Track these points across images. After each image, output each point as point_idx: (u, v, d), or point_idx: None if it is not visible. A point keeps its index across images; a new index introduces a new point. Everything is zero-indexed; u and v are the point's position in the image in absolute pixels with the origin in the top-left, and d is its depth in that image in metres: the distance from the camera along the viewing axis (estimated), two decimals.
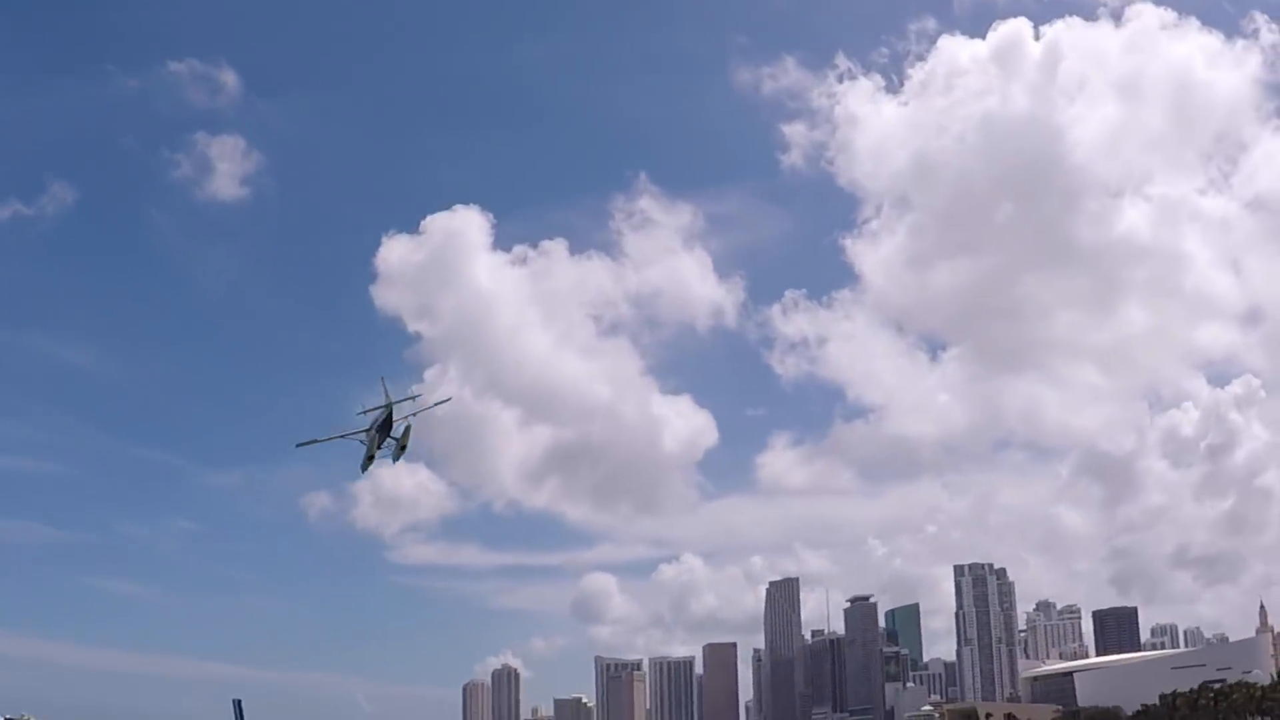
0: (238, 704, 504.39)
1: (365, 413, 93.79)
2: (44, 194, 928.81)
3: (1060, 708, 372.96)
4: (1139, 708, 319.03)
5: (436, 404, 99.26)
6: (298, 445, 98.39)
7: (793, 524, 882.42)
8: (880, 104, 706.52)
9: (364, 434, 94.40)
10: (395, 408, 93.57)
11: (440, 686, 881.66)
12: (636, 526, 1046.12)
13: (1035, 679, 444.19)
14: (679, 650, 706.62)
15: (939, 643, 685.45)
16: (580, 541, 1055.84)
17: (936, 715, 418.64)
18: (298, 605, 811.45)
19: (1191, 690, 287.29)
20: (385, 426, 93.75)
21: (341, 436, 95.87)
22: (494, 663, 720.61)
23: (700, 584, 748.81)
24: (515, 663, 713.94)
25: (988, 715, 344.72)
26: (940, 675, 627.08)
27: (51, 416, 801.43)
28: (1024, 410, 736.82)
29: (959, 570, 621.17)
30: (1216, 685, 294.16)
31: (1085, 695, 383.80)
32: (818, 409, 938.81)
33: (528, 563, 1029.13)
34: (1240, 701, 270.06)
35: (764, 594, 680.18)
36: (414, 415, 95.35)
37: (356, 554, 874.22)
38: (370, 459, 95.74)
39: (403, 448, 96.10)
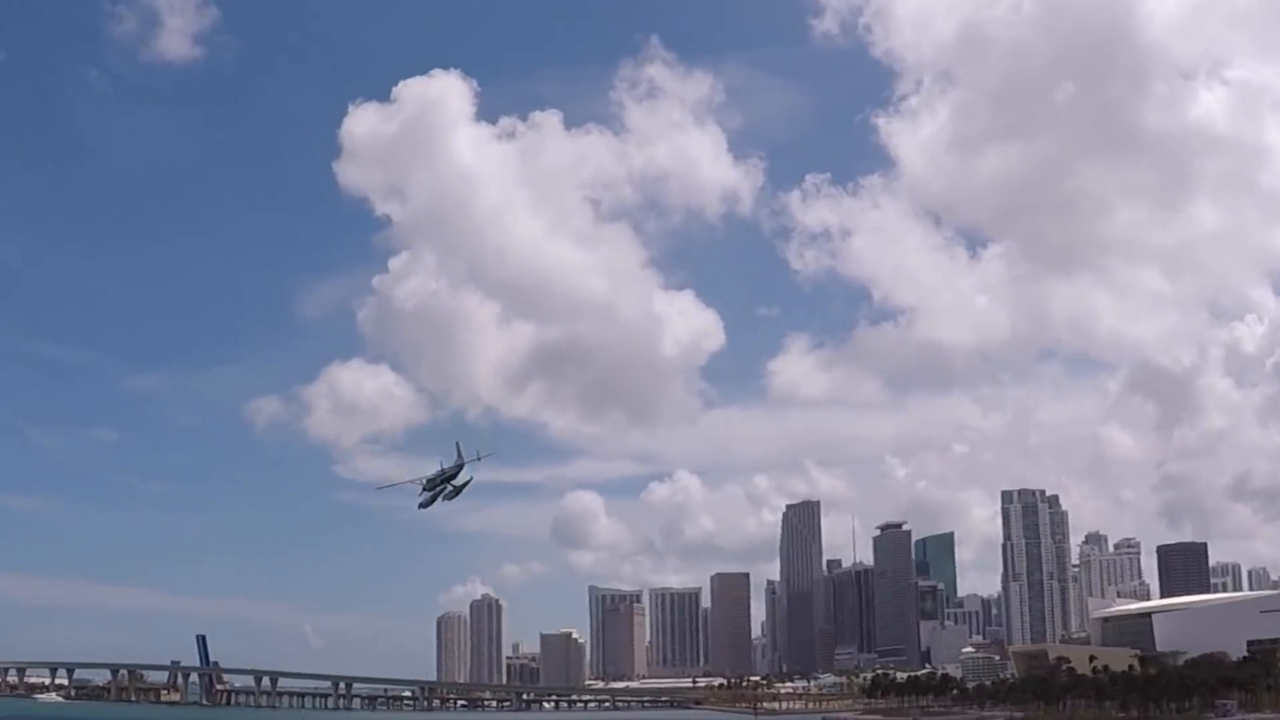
0: (202, 640, 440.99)
1: (443, 470, 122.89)
2: None
3: (1139, 651, 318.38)
4: (1244, 654, 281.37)
5: (484, 457, 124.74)
6: (378, 489, 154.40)
7: (801, 439, 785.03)
8: None
9: (427, 480, 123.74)
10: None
11: (395, 617, 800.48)
12: (626, 439, 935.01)
13: (1107, 620, 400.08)
14: (672, 580, 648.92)
15: (968, 575, 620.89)
16: (559, 456, 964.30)
17: (995, 659, 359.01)
18: (236, 525, 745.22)
19: None
20: (452, 476, 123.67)
21: (410, 481, 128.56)
22: (462, 592, 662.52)
23: (696, 506, 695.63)
24: (488, 590, 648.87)
25: (1059, 659, 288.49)
26: (977, 613, 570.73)
27: None
28: (1072, 317, 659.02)
29: (1007, 497, 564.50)
30: None
31: (1163, 639, 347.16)
32: (839, 310, 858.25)
33: (501, 479, 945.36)
34: None
35: (779, 519, 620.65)
36: (474, 461, 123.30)
37: (307, 468, 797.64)
38: (434, 499, 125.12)
39: (458, 491, 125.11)
